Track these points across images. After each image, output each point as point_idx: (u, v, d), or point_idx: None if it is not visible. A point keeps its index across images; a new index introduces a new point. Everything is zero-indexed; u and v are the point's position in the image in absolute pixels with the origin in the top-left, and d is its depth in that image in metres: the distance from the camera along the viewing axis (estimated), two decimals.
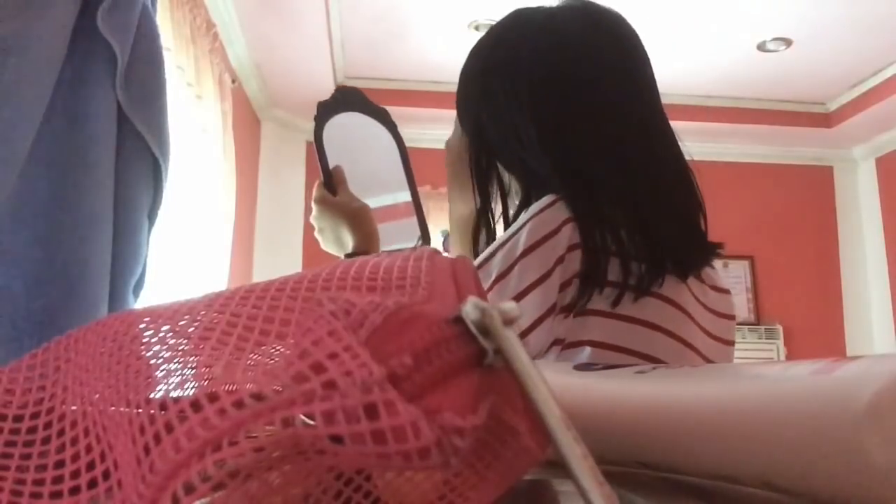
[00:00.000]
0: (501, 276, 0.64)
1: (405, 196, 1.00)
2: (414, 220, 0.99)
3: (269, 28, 3.06)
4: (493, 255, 0.66)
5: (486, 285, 0.64)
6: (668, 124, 0.75)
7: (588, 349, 0.64)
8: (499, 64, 0.75)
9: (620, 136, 0.71)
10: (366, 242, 0.92)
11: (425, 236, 0.99)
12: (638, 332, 0.65)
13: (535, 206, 0.67)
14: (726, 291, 0.77)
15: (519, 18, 0.76)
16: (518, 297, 0.63)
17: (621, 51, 0.74)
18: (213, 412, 0.16)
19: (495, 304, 0.66)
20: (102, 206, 0.64)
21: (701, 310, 0.72)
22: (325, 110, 0.95)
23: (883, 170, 4.28)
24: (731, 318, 0.77)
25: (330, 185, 0.95)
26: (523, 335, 0.63)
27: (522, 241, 0.65)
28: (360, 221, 0.94)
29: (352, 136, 0.98)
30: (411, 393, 0.17)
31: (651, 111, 0.74)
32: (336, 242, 0.96)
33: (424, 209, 0.99)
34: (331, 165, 0.95)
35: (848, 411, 0.23)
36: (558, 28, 0.73)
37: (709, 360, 0.71)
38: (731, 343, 0.77)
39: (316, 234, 0.98)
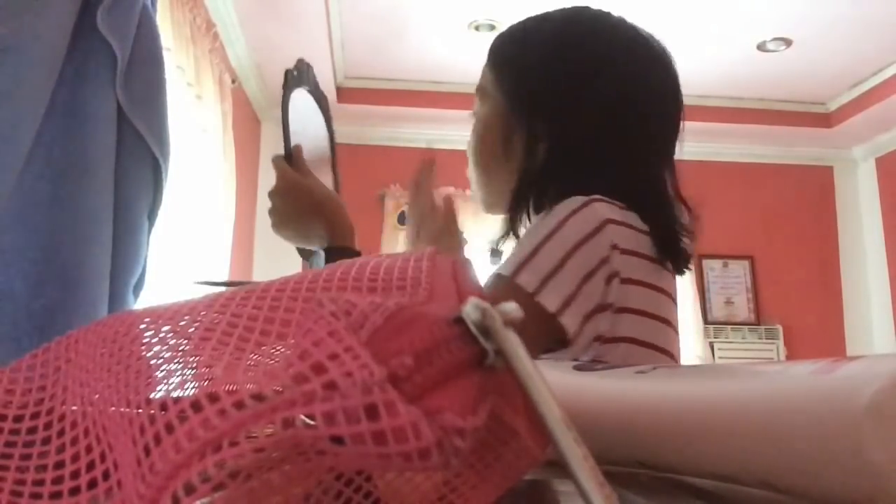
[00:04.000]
0: (554, 272, 0.65)
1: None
2: None
3: (269, 28, 3.06)
4: (536, 250, 0.66)
5: (534, 281, 0.65)
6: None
7: (624, 345, 0.68)
8: (574, 48, 0.78)
9: (659, 148, 0.78)
10: (349, 237, 0.84)
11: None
12: (660, 329, 0.70)
13: (566, 207, 0.68)
14: None
15: (596, 22, 0.79)
16: (574, 294, 0.65)
17: (674, 84, 0.80)
18: (213, 413, 0.16)
19: (549, 299, 0.66)
20: (102, 206, 0.64)
21: None
22: (292, 82, 0.86)
23: (883, 170, 4.28)
24: None
25: (289, 161, 0.86)
26: (575, 329, 0.65)
27: (568, 237, 0.66)
28: (339, 211, 0.85)
29: (302, 114, 0.89)
30: (412, 394, 0.17)
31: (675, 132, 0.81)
32: (298, 227, 0.86)
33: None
34: (292, 143, 0.86)
35: (848, 411, 0.23)
36: (639, 55, 0.79)
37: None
38: None
39: (270, 212, 0.87)
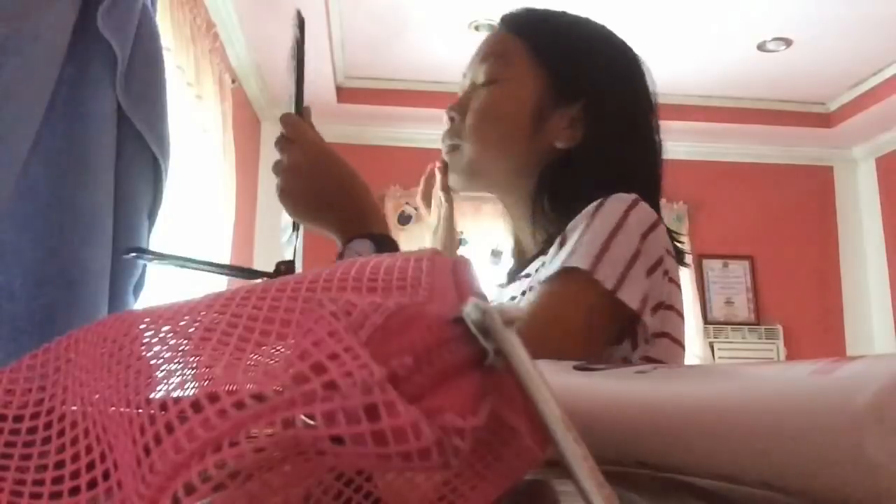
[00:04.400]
0: (629, 267, 0.65)
1: None
2: None
3: (269, 28, 3.06)
4: (607, 244, 0.65)
5: (613, 276, 0.64)
6: None
7: (664, 341, 0.69)
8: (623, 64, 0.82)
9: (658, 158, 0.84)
10: (385, 226, 0.73)
11: None
12: (683, 325, 0.73)
13: (620, 201, 0.69)
14: None
15: (616, 46, 0.83)
16: (647, 291, 0.66)
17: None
18: (213, 413, 0.16)
19: (629, 295, 0.67)
20: (102, 206, 0.64)
21: None
22: (302, 30, 0.77)
23: (883, 170, 4.28)
24: None
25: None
26: (649, 316, 0.67)
27: (633, 231, 0.67)
28: (370, 194, 0.74)
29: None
30: (412, 394, 0.17)
31: None
32: (315, 200, 0.71)
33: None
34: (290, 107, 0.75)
35: (848, 411, 0.23)
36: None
37: None
38: None
39: (282, 171, 0.72)
